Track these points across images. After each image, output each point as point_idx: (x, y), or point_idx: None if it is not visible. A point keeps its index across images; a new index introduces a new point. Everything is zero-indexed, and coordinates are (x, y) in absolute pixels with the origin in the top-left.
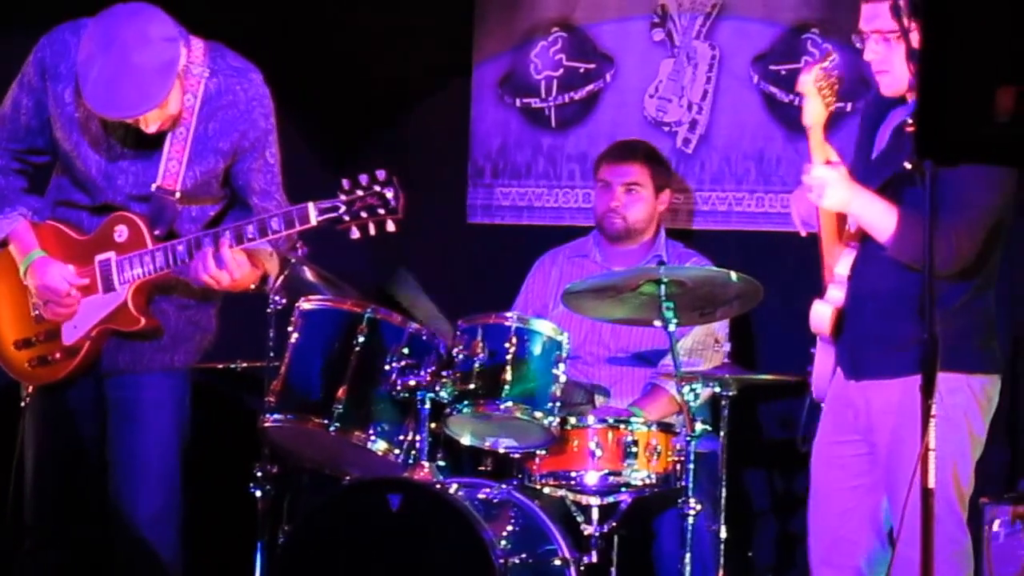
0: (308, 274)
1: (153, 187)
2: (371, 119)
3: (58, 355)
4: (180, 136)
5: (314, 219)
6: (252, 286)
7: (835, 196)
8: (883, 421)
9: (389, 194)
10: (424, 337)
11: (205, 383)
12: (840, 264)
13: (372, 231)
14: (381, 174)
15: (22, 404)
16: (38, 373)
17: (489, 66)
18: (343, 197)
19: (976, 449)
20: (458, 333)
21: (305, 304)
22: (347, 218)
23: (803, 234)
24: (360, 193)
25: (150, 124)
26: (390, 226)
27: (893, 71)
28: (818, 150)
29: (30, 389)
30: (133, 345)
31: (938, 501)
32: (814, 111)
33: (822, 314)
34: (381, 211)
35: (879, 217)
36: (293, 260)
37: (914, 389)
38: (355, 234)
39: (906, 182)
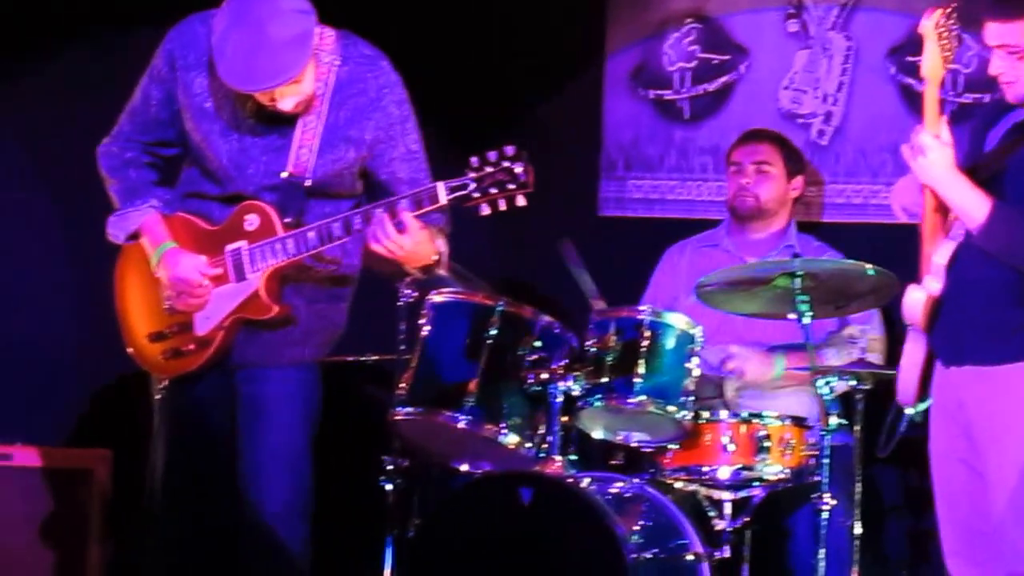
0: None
1: (283, 175)
2: (502, 112)
3: (191, 346)
4: (311, 124)
5: (444, 198)
6: (434, 257)
7: (933, 168)
8: (986, 408)
9: (518, 169)
10: (556, 330)
11: (335, 376)
12: (939, 253)
13: (503, 206)
14: (509, 149)
15: (156, 397)
16: (172, 365)
17: (621, 58)
18: (472, 174)
19: None
20: (590, 326)
21: (436, 297)
22: (477, 195)
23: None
24: (489, 169)
25: (285, 100)
26: (520, 200)
27: (1020, 80)
28: (931, 108)
29: (164, 383)
30: (263, 338)
31: None
32: (932, 59)
33: (916, 300)
34: (511, 186)
35: (972, 203)
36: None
37: (1019, 376)
38: (485, 210)
39: (1008, 179)
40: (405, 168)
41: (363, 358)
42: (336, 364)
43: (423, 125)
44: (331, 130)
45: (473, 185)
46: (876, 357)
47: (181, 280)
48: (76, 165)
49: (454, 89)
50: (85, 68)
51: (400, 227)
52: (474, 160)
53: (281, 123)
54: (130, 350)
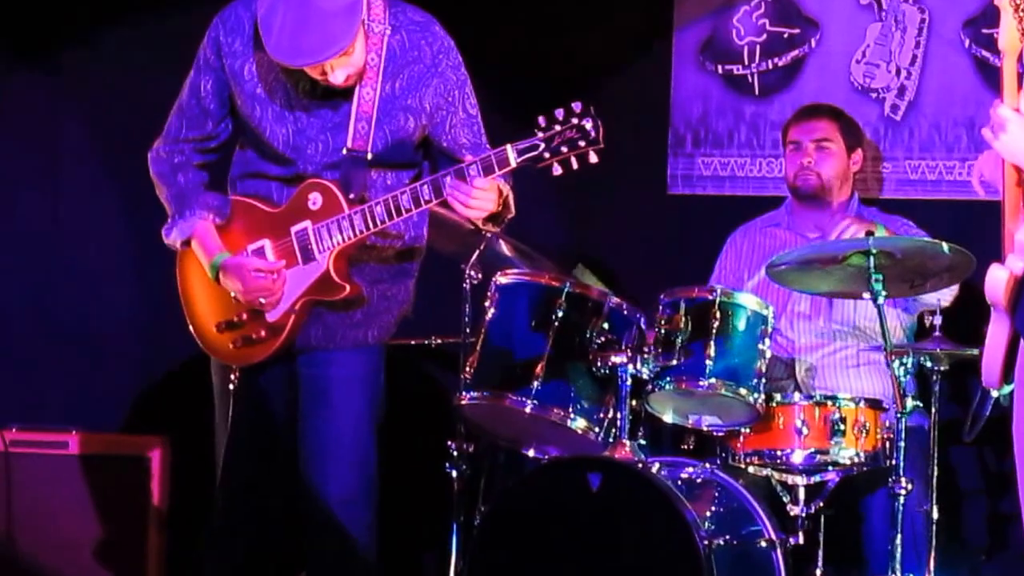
0: (504, 248)
1: (344, 150)
2: (568, 86)
3: (263, 333)
4: (367, 97)
5: (514, 160)
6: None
7: (1014, 142)
8: None
9: (588, 125)
10: (625, 311)
11: (399, 359)
12: (1022, 231)
13: (575, 165)
14: (577, 106)
15: (229, 387)
16: (244, 353)
17: (690, 31)
18: (541, 134)
19: None
20: (660, 307)
21: (501, 278)
22: (547, 155)
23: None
24: (558, 128)
25: (337, 73)
26: (592, 157)
27: None
28: (1009, 82)
29: (235, 372)
30: (325, 321)
31: None
32: (1009, 32)
33: (998, 279)
34: (582, 143)
35: None
36: (488, 234)
37: None
38: (557, 170)
39: None
40: (466, 133)
41: (427, 341)
42: (400, 347)
43: (485, 100)
44: (388, 101)
45: (543, 145)
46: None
47: (254, 291)
48: (141, 148)
49: (517, 62)
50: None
51: (472, 192)
52: (541, 119)
53: (336, 98)
54: (198, 340)
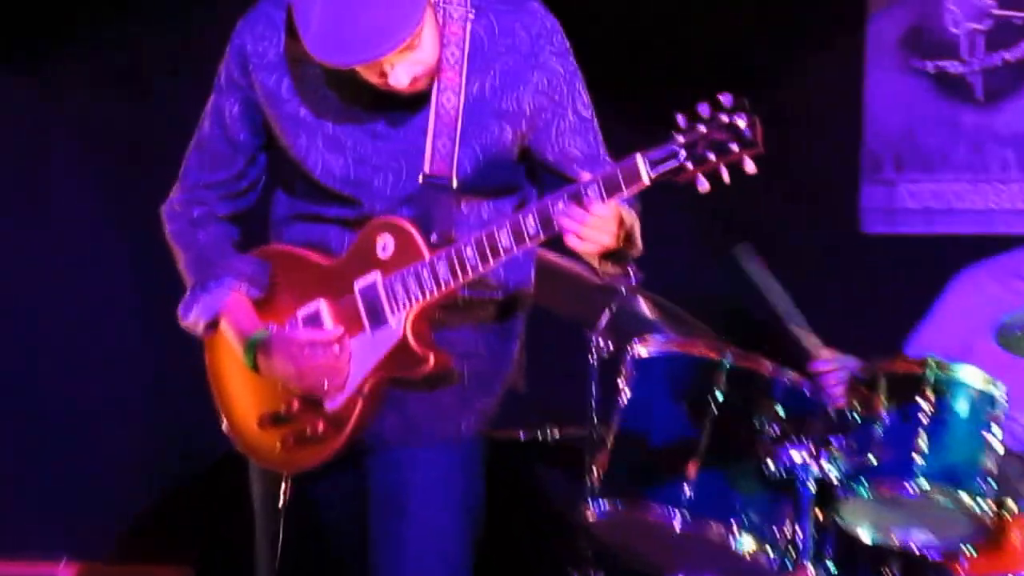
0: (643, 307)
1: (420, 177)
2: (729, 91)
3: (321, 427)
4: (447, 104)
5: (646, 175)
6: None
7: None
8: None
9: (741, 123)
10: (805, 392)
11: (504, 458)
12: None
13: (726, 177)
14: (727, 99)
15: (279, 505)
16: (297, 457)
17: (888, 18)
18: (680, 138)
19: None
20: (851, 386)
21: (640, 349)
22: (690, 165)
23: None
24: (702, 129)
25: (400, 73)
26: (749, 166)
27: None
28: None
29: (286, 482)
30: (403, 407)
31: None
32: None
33: None
34: (734, 146)
35: None
36: (622, 289)
37: None
38: (703, 186)
39: None
40: (579, 142)
41: (542, 433)
42: (505, 442)
43: (604, 102)
44: (476, 107)
45: (683, 153)
46: None
47: (310, 372)
48: (150, 200)
49: (647, 54)
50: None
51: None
52: (681, 118)
53: (405, 109)
54: (234, 439)
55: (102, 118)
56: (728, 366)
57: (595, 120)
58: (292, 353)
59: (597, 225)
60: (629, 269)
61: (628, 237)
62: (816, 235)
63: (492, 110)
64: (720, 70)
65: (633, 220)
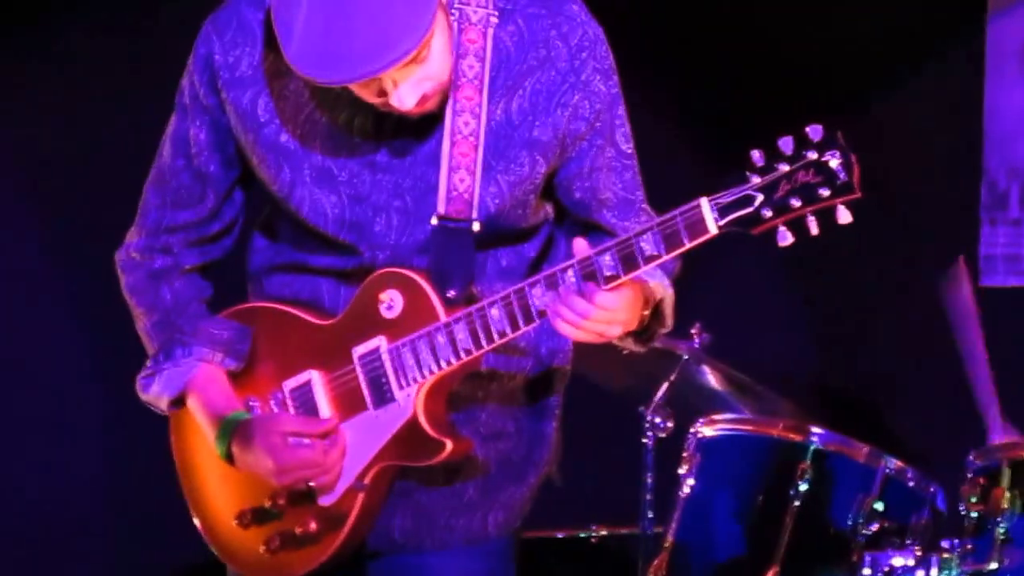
0: (709, 378)
1: (433, 219)
2: (817, 108)
3: (313, 526)
4: (465, 130)
5: (713, 224)
6: (645, 312)
7: None
8: None
9: (834, 162)
10: (909, 482)
11: (539, 561)
12: None
13: (813, 229)
14: (815, 132)
15: None
16: (285, 563)
17: (1012, 21)
18: (756, 179)
19: None
20: (967, 474)
21: (705, 429)
22: (768, 213)
23: None
24: (784, 168)
25: (403, 93)
26: (843, 216)
27: None
28: None
29: None
30: (416, 502)
31: None
32: None
33: None
34: (824, 191)
35: None
36: (684, 355)
37: None
38: (786, 239)
39: None
40: (615, 181)
41: (585, 532)
42: (542, 541)
43: (665, 134)
44: (501, 132)
45: (760, 197)
46: None
47: (292, 467)
48: (99, 243)
49: (709, 68)
50: None
51: (597, 300)
52: (757, 156)
53: (411, 136)
54: (208, 540)
55: (39, 138)
56: (814, 450)
57: (635, 157)
58: (273, 444)
59: (600, 318)
60: (692, 332)
61: (658, 314)
62: (923, 288)
63: (521, 138)
64: (802, 85)
65: (664, 293)
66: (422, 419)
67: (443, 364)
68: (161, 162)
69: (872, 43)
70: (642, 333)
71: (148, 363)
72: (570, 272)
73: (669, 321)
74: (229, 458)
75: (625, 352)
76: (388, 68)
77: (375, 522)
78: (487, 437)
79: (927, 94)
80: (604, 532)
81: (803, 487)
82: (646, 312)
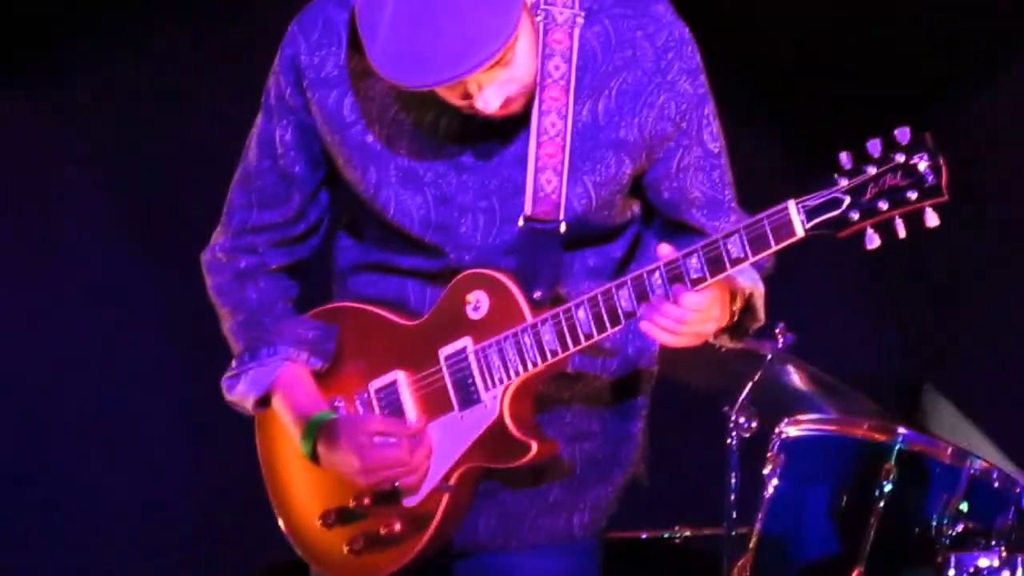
0: (794, 377)
1: (520, 220)
2: (908, 106)
3: (398, 526)
4: (551, 131)
5: (801, 227)
6: (735, 308)
7: None
8: None
9: (922, 164)
10: (995, 483)
11: (626, 562)
12: None
13: (901, 232)
14: (903, 134)
15: None
16: (369, 563)
17: None
18: (845, 182)
19: None
20: None
21: (790, 429)
22: (856, 215)
23: None
24: (872, 171)
25: (489, 97)
26: (931, 219)
27: None
28: None
29: None
30: (502, 503)
31: None
32: None
33: None
34: (912, 194)
35: None
36: (768, 355)
37: None
38: (872, 242)
39: None
40: (703, 181)
41: (669, 532)
42: (628, 543)
43: (754, 135)
44: (587, 133)
45: (848, 200)
46: None
47: (377, 467)
48: (184, 245)
49: (797, 70)
50: None
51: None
52: (845, 158)
53: (497, 137)
54: (292, 541)
55: (121, 142)
56: (899, 450)
57: (725, 156)
58: (359, 443)
59: (694, 319)
60: (776, 332)
61: (750, 310)
62: (1013, 288)
63: (608, 139)
64: (884, 85)
65: (753, 287)
66: (508, 421)
67: (529, 365)
68: (247, 163)
69: (963, 39)
70: (735, 328)
71: (233, 363)
72: (657, 274)
73: (761, 314)
74: (314, 458)
75: (722, 349)
76: (472, 72)
77: (460, 523)
78: (572, 438)
79: (1018, 90)
80: (688, 533)
81: (888, 487)
82: (735, 307)
